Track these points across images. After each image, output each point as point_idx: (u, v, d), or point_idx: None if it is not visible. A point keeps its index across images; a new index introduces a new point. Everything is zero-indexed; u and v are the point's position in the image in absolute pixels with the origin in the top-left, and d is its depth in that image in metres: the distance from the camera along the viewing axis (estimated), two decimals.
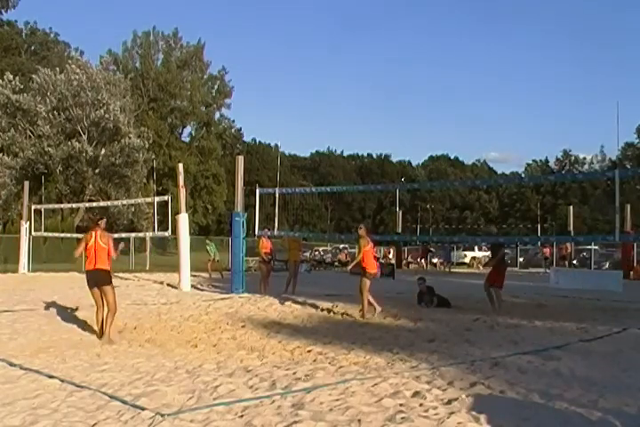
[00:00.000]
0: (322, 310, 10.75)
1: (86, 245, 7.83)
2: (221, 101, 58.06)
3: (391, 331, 8.51)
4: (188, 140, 58.58)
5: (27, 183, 24.57)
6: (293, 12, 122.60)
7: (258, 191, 15.09)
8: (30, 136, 36.67)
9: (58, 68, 37.34)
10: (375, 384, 5.06)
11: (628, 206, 25.81)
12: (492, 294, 11.03)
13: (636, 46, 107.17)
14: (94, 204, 30.60)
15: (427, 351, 6.78)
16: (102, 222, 8.07)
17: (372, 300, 9.93)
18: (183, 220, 16.28)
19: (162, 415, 4.15)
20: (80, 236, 25.95)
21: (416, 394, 4.77)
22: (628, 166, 55.15)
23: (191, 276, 16.43)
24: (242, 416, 4.21)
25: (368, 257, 9.96)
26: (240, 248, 14.10)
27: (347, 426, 4.00)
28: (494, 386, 5.06)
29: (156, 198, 19.47)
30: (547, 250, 30.64)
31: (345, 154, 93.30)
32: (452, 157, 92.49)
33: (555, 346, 7.13)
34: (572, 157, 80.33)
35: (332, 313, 10.42)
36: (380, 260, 31.02)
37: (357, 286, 10.02)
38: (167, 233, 18.70)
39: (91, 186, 37.36)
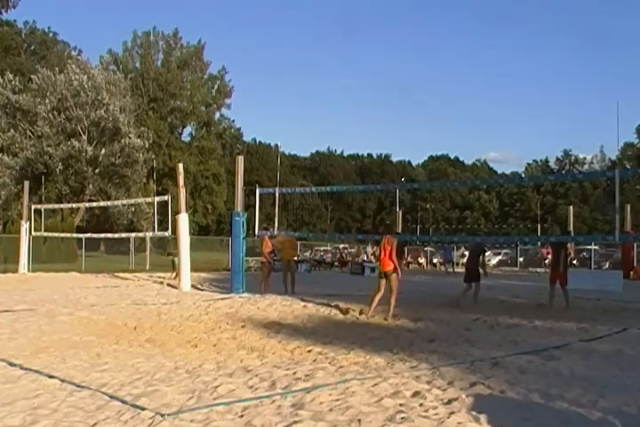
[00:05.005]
0: (322, 309, 10.75)
1: None
2: (221, 101, 58.12)
3: (391, 331, 8.50)
4: (188, 140, 58.71)
5: (27, 183, 24.53)
6: (293, 11, 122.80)
7: (258, 191, 15.07)
8: (30, 136, 36.69)
9: (57, 68, 37.39)
10: (375, 384, 5.04)
11: (628, 206, 25.81)
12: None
13: (636, 46, 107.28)
14: (94, 204, 30.66)
15: (427, 351, 6.77)
16: None
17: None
18: (183, 220, 16.27)
19: (162, 415, 4.14)
20: (80, 235, 26.20)
21: (416, 394, 4.76)
22: (628, 166, 55.14)
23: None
24: (242, 416, 4.20)
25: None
26: (240, 248, 14.10)
27: (347, 426, 3.99)
28: (494, 386, 5.05)
29: (156, 198, 19.46)
30: (544, 250, 30.61)
31: (345, 154, 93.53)
32: (452, 157, 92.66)
33: (555, 346, 7.12)
34: (572, 157, 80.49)
35: (331, 313, 10.43)
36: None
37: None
38: (167, 233, 18.68)
39: (91, 186, 37.38)
